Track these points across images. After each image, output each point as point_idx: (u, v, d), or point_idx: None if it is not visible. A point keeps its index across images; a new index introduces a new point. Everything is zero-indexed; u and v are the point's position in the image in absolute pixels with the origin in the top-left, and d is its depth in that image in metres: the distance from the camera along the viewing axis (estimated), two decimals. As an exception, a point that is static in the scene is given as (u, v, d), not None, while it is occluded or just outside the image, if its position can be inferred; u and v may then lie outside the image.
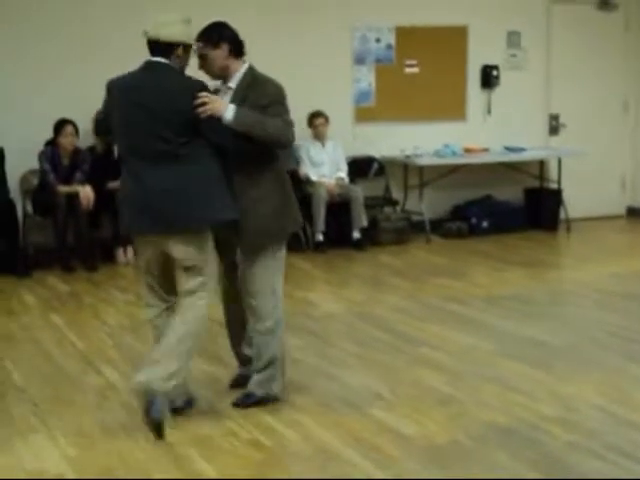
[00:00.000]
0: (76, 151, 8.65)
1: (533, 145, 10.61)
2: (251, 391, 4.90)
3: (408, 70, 9.95)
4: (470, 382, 5.25)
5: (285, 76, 9.45)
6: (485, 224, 10.14)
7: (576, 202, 10.55)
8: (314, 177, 9.41)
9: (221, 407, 4.91)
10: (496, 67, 10.49)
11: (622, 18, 11.00)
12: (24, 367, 5.74)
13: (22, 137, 8.66)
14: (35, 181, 8.75)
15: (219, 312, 6.88)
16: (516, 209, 10.44)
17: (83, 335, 6.40)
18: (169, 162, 4.51)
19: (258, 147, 4.60)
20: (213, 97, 4.55)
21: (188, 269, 4.60)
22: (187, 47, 4.65)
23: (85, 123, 8.68)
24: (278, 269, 4.82)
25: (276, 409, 4.84)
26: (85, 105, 8.75)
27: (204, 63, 4.73)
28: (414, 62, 9.91)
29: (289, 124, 4.68)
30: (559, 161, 10.51)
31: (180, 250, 4.56)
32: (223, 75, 4.76)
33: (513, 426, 4.58)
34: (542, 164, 10.73)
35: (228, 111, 4.52)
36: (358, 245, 9.11)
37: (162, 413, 4.40)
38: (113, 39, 9.02)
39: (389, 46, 9.90)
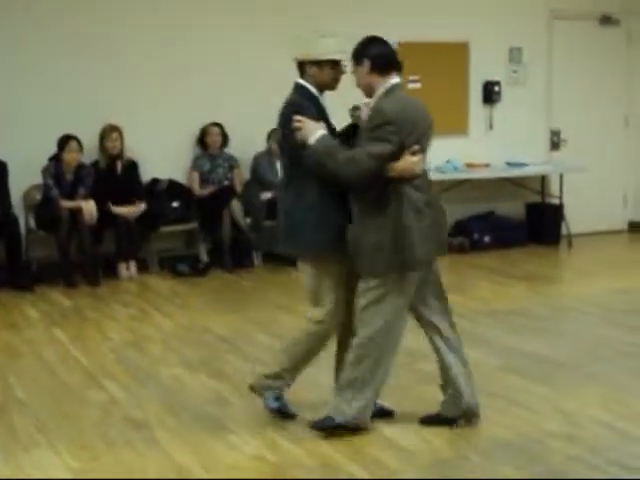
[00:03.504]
0: (79, 166, 8.68)
1: (535, 160, 10.63)
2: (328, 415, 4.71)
3: (410, 86, 9.97)
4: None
5: (286, 92, 9.62)
6: (487, 239, 10.15)
7: (578, 217, 10.57)
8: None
9: (225, 422, 4.91)
10: (498, 83, 10.53)
11: (623, 34, 11.05)
12: (27, 381, 5.73)
13: (25, 152, 8.69)
14: (38, 196, 8.77)
15: (221, 327, 6.92)
16: (518, 224, 10.46)
17: (86, 350, 6.40)
18: (285, 184, 4.74)
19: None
20: (306, 121, 4.47)
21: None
22: (322, 63, 4.59)
23: (89, 139, 8.72)
24: (386, 302, 4.52)
25: (281, 425, 4.83)
26: (89, 121, 8.83)
27: (356, 80, 4.61)
28: (416, 78, 9.93)
29: (362, 158, 4.35)
30: (560, 176, 10.53)
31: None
32: (368, 93, 4.58)
33: (517, 441, 4.58)
34: (543, 179, 10.75)
35: (313, 136, 4.45)
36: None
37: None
38: (118, 56, 9.08)
39: (391, 62, 9.92)
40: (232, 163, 9.50)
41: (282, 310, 7.47)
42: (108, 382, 5.65)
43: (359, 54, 4.56)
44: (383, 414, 4.85)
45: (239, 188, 9.43)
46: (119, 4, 9.06)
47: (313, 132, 4.46)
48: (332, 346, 4.91)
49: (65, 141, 8.60)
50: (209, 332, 6.82)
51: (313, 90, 4.65)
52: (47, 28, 8.85)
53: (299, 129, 4.48)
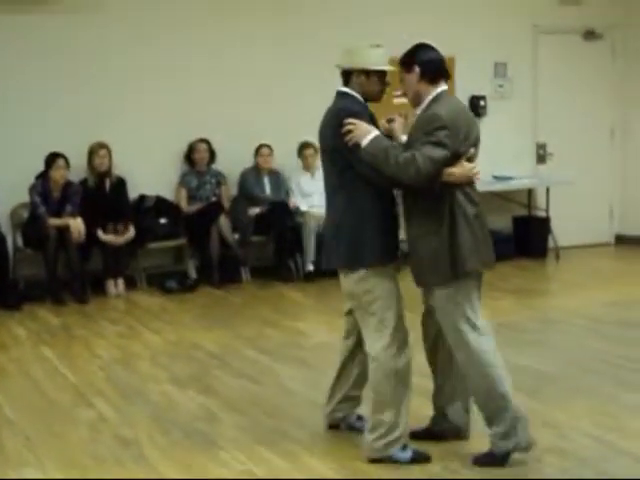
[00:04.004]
0: (67, 184, 8.67)
1: (521, 174, 10.67)
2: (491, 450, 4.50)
3: (396, 100, 9.99)
4: (462, 411, 5.25)
5: (273, 108, 9.66)
6: (475, 253, 10.16)
7: (564, 230, 10.60)
8: (304, 207, 9.44)
9: (215, 438, 4.90)
10: (483, 97, 10.58)
11: (607, 48, 11.12)
12: (15, 400, 5.71)
13: (12, 170, 8.68)
14: (25, 214, 8.76)
15: (210, 343, 6.91)
16: (505, 237, 10.47)
17: (74, 368, 6.38)
18: (331, 194, 4.55)
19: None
20: (359, 123, 4.35)
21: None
22: (370, 73, 4.52)
23: (76, 157, 8.72)
24: (455, 312, 4.40)
25: (271, 441, 4.83)
26: (76, 138, 8.83)
27: (404, 89, 4.52)
28: (402, 91, 9.96)
29: (419, 160, 4.21)
30: (547, 189, 10.58)
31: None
32: (416, 101, 4.47)
33: (506, 454, 4.58)
34: (530, 193, 10.80)
35: (367, 138, 4.32)
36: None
37: None
38: (104, 74, 9.09)
39: (377, 77, 9.94)
40: (219, 179, 9.51)
41: (270, 325, 7.47)
42: (97, 400, 5.64)
43: (409, 61, 4.45)
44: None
45: (227, 204, 9.44)
46: (106, 22, 9.07)
47: (367, 134, 4.33)
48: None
49: (52, 159, 8.60)
50: (198, 348, 6.82)
51: (360, 98, 4.55)
52: (33, 47, 8.85)
53: (351, 132, 4.35)
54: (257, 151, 9.55)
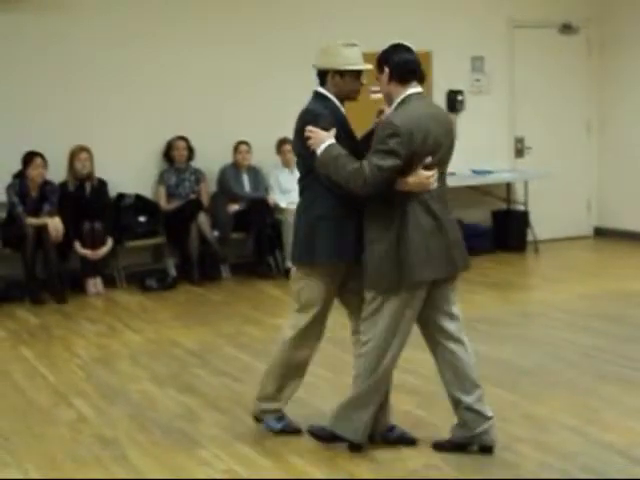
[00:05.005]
0: (45, 183, 8.61)
1: (499, 168, 10.71)
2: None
3: (373, 96, 9.98)
4: (442, 405, 5.24)
5: (252, 105, 9.64)
6: (454, 247, 10.18)
7: (543, 223, 10.65)
8: (283, 204, 9.43)
9: (196, 437, 4.89)
10: (461, 92, 10.60)
11: (584, 41, 11.16)
12: (-5, 401, 5.69)
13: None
14: (3, 214, 8.70)
15: (190, 341, 6.90)
16: (484, 231, 10.51)
17: (54, 368, 6.35)
18: (299, 193, 4.70)
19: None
20: (316, 131, 4.40)
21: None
22: (345, 73, 4.55)
23: (54, 156, 8.65)
24: (384, 321, 4.43)
25: (252, 439, 4.82)
26: (54, 138, 8.78)
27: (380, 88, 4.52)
28: (378, 88, 9.97)
29: (366, 170, 4.25)
30: (525, 183, 10.62)
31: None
32: (388, 102, 4.48)
33: (487, 449, 4.60)
34: (509, 186, 10.83)
35: (321, 147, 4.37)
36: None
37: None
38: (81, 71, 9.04)
39: (355, 73, 9.94)
40: (199, 176, 9.48)
41: (251, 323, 7.47)
42: (77, 400, 5.61)
43: (380, 62, 4.46)
44: (403, 440, 4.72)
45: (206, 201, 9.41)
46: (83, 22, 9.01)
47: (322, 142, 4.38)
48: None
49: (30, 158, 8.54)
50: (178, 346, 6.80)
51: (334, 99, 4.60)
52: (11, 47, 8.80)
53: (309, 138, 4.42)
54: (235, 148, 9.53)
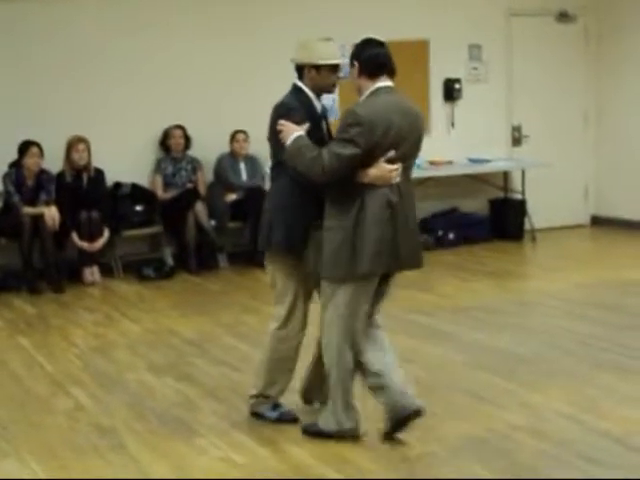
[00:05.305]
0: (41, 172, 8.60)
1: (497, 156, 10.69)
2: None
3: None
4: (441, 393, 5.28)
5: (248, 93, 9.63)
6: (451, 236, 10.20)
7: (540, 212, 10.64)
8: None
9: (193, 425, 4.90)
10: (458, 80, 10.58)
11: (581, 29, 11.14)
12: (-8, 391, 5.69)
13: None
14: (-1, 203, 8.70)
15: (188, 330, 6.90)
16: (481, 220, 10.52)
17: (51, 357, 6.35)
18: (271, 182, 4.87)
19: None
20: (286, 124, 4.50)
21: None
22: (321, 67, 4.66)
23: (51, 146, 8.63)
24: (339, 309, 4.48)
25: (249, 427, 4.83)
26: (51, 127, 8.76)
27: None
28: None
29: (325, 158, 4.33)
30: (522, 172, 10.62)
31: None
32: (360, 95, 4.54)
33: (484, 436, 4.61)
34: (506, 175, 10.83)
35: (289, 138, 4.47)
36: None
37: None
38: (80, 62, 9.02)
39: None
40: (195, 165, 9.47)
41: (248, 312, 7.47)
42: (74, 389, 5.62)
43: (351, 56, 4.56)
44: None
45: (203, 190, 9.41)
46: (80, 11, 8.99)
47: (291, 134, 4.47)
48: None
49: (26, 147, 8.52)
50: (175, 336, 6.81)
51: (309, 92, 4.73)
52: (9, 37, 8.77)
53: (280, 132, 4.53)
54: (233, 137, 9.52)
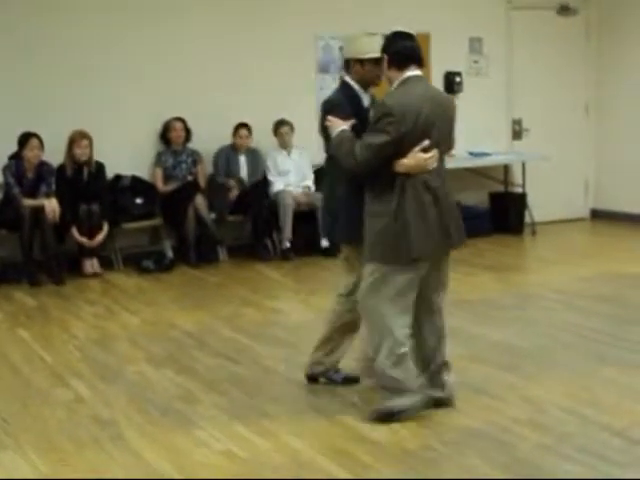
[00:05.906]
0: (41, 164, 8.58)
1: (497, 150, 10.69)
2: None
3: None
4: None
5: (249, 86, 9.61)
6: (451, 229, 10.17)
7: (541, 205, 10.64)
8: (280, 185, 9.41)
9: (193, 418, 4.89)
10: (459, 73, 10.57)
11: (582, 22, 11.13)
12: (-8, 383, 5.69)
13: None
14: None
15: (187, 323, 6.90)
16: (482, 214, 10.51)
17: (51, 349, 6.35)
18: (323, 177, 5.19)
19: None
20: (333, 119, 4.70)
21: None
22: (364, 61, 4.84)
23: (51, 138, 8.61)
24: (383, 292, 4.57)
25: (250, 420, 4.83)
26: (50, 119, 8.74)
27: None
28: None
29: (357, 149, 4.51)
30: (523, 165, 10.61)
31: None
32: (390, 85, 4.69)
33: (484, 430, 4.61)
34: (506, 169, 10.82)
35: (334, 132, 4.68)
36: (327, 253, 9.07)
37: None
38: (78, 52, 9.00)
39: (352, 54, 9.91)
40: (196, 158, 9.45)
41: (248, 305, 7.46)
42: (74, 381, 5.61)
43: (382, 49, 4.70)
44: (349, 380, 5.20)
45: (203, 183, 9.39)
46: (80, 4, 8.97)
47: (336, 128, 4.66)
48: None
49: (26, 138, 8.49)
50: (175, 328, 6.80)
51: (355, 87, 4.93)
52: (8, 30, 8.75)
53: (328, 127, 4.74)
54: (235, 131, 9.49)
